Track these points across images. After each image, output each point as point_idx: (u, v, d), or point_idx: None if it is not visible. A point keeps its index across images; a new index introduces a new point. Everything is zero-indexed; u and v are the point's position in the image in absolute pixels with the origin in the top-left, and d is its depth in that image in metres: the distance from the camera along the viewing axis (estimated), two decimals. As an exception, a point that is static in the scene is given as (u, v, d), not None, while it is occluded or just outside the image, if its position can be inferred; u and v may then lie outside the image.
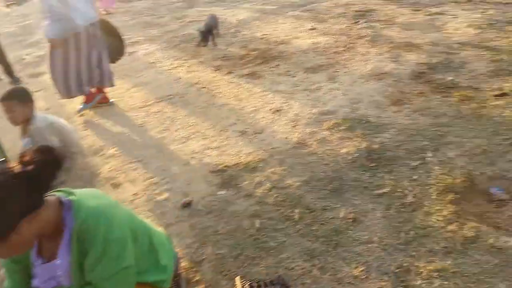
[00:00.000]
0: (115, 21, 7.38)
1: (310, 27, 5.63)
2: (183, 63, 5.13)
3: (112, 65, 5.40)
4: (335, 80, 3.95)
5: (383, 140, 2.86)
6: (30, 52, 6.70)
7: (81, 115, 4.24)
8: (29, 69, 5.95)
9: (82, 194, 1.39)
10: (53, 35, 3.71)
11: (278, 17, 6.48)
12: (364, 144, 2.85)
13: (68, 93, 4.07)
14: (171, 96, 4.27)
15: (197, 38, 5.53)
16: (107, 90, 4.35)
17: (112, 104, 4.34)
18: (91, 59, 4.03)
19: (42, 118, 3.09)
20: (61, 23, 3.69)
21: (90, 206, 1.34)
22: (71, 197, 1.34)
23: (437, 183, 2.35)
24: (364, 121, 3.14)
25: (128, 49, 5.93)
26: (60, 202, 1.30)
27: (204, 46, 5.28)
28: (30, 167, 1.19)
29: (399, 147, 2.76)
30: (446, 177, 2.38)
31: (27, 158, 1.21)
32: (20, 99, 3.01)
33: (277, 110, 3.61)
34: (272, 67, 4.54)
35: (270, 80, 4.23)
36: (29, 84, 5.38)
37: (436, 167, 2.48)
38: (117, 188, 3.01)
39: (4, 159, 3.43)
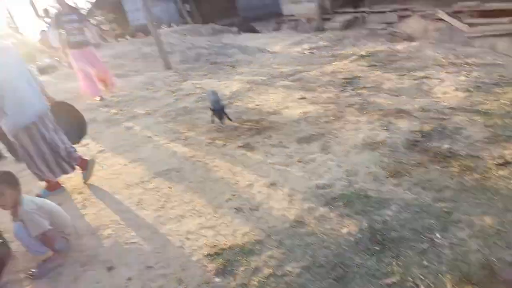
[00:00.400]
0: (113, 96, 7.31)
1: (299, 97, 5.51)
2: (179, 136, 4.93)
3: (112, 140, 5.22)
4: (328, 150, 3.72)
5: (386, 218, 2.56)
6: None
7: (80, 193, 3.96)
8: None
9: None
10: (7, 132, 3.54)
11: (269, 87, 6.39)
12: (365, 223, 2.55)
13: (40, 176, 3.87)
14: (167, 171, 4.01)
15: (194, 112, 5.34)
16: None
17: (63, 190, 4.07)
18: (52, 149, 3.78)
19: (30, 201, 2.85)
20: (8, 120, 3.46)
21: None
22: None
23: (451, 270, 2.03)
24: (363, 196, 2.86)
25: (126, 124, 5.76)
26: None
27: (222, 125, 4.88)
28: None
29: (404, 226, 2.46)
30: (461, 263, 2.06)
31: None
32: (8, 183, 2.80)
33: (272, 184, 3.34)
34: (265, 138, 4.33)
35: (263, 151, 4.00)
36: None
37: (448, 251, 2.17)
38: (112, 271, 2.70)
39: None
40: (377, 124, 4.06)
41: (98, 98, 7.10)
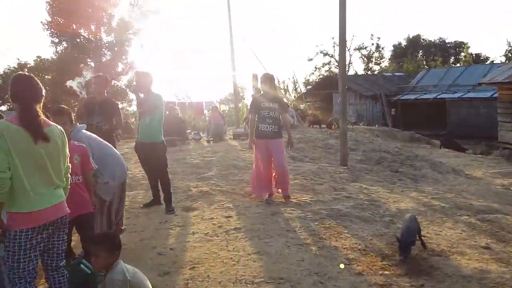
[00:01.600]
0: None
1: (483, 244, 4.18)
2: (317, 240, 4.30)
3: (253, 221, 5.08)
4: None
5: None
6: (197, 185, 6.91)
7: (192, 268, 3.73)
8: (187, 202, 6.00)
9: None
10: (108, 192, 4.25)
11: (447, 219, 5.15)
12: None
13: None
14: (284, 281, 3.42)
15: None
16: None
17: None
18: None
19: (121, 271, 2.67)
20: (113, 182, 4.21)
21: None
22: None
23: None
24: None
25: (274, 209, 5.46)
26: None
27: (401, 260, 3.71)
28: None
29: None
30: None
31: None
32: (107, 248, 2.71)
33: None
34: (415, 286, 3.28)
35: (404, 304, 2.99)
36: (178, 216, 5.33)
37: None
38: None
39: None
40: None
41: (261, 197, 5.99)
